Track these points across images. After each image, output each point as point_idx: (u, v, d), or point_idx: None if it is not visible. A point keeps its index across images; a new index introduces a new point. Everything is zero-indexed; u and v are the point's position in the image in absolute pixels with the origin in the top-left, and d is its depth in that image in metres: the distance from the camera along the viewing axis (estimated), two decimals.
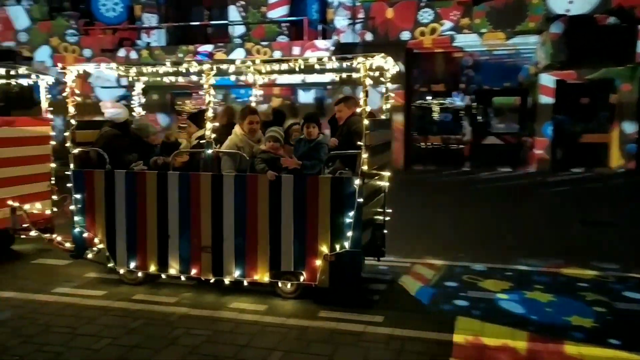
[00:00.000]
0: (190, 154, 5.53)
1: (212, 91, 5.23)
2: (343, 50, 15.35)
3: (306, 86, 15.70)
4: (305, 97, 16.18)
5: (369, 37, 15.63)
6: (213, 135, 5.19)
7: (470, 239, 7.79)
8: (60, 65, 6.25)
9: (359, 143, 4.81)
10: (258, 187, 5.04)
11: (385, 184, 5.58)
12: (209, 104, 5.16)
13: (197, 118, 5.76)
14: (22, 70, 6.95)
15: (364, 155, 4.76)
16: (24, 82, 7.27)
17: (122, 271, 5.56)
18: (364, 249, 5.04)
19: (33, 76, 7.03)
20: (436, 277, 5.93)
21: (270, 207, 5.02)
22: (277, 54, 14.87)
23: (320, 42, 14.95)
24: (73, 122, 5.68)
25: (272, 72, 6.03)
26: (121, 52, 15.45)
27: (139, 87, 6.71)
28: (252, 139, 5.35)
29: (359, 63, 4.91)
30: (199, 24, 16.58)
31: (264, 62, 5.88)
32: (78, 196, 5.59)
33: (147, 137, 5.96)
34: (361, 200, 4.77)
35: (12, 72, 7.07)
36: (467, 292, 5.40)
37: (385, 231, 5.80)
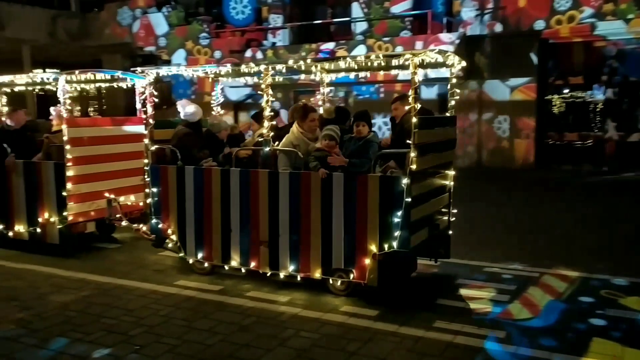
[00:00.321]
0: (253, 151, 5.83)
1: (270, 91, 5.39)
2: (469, 43, 14.63)
3: (429, 82, 15.20)
4: (428, 93, 15.67)
5: (498, 28, 14.74)
6: (271, 134, 5.36)
7: (610, 248, 6.97)
8: (139, 69, 6.44)
9: (407, 141, 4.75)
10: (311, 185, 5.12)
11: (449, 183, 5.56)
12: (267, 103, 5.34)
13: (258, 116, 6.05)
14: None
15: (412, 154, 4.69)
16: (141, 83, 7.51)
17: (191, 261, 5.90)
18: (418, 249, 5.03)
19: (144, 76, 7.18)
20: (569, 291, 5.34)
21: (322, 205, 5.08)
22: (399, 50, 14.54)
23: (444, 36, 14.37)
24: (151, 121, 6.08)
25: (338, 70, 6.19)
26: (248, 53, 16.05)
27: (218, 88, 7.31)
28: (310, 137, 5.42)
29: (406, 60, 4.82)
30: (322, 22, 16.74)
31: (315, 60, 6.03)
32: (154, 190, 6.01)
33: (218, 132, 6.33)
34: (409, 199, 4.69)
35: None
36: (605, 310, 4.78)
37: (450, 232, 5.70)
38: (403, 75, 14.70)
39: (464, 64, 5.58)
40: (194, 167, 5.80)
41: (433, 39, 14.27)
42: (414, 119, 4.69)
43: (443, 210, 5.61)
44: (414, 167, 4.70)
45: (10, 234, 7.15)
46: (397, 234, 4.74)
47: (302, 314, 4.78)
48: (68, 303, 5.11)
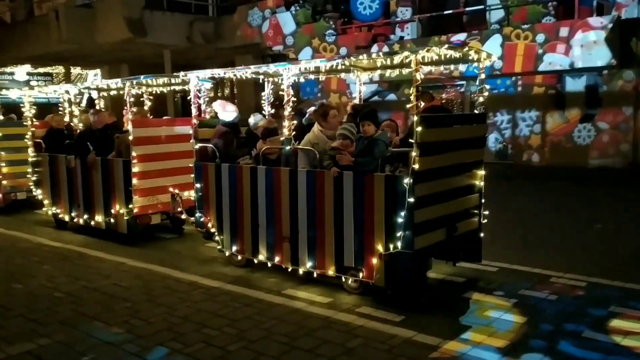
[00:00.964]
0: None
1: (290, 90, 5.58)
2: (623, 28, 12.81)
3: (575, 72, 13.59)
4: (574, 85, 14.04)
5: None
6: (294, 132, 5.61)
7: None
8: (182, 73, 6.83)
9: (410, 140, 4.68)
10: (325, 183, 5.20)
11: (478, 182, 5.45)
12: (288, 102, 5.51)
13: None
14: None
15: (414, 154, 4.60)
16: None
17: (227, 253, 6.23)
18: (430, 251, 4.98)
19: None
20: None
21: (335, 203, 5.15)
22: (540, 38, 13.14)
23: (594, 20, 12.70)
24: (195, 121, 6.46)
25: (374, 68, 6.36)
26: (374, 48, 15.57)
27: (268, 88, 7.25)
28: (331, 134, 5.49)
29: (407, 57, 4.76)
30: (454, 12, 15.74)
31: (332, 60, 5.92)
32: (198, 186, 6.39)
33: (256, 129, 6.50)
34: (412, 200, 4.62)
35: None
36: None
37: (482, 234, 5.59)
38: (544, 66, 13.35)
39: (494, 58, 5.43)
40: (229, 165, 6.08)
41: (580, 24, 12.68)
42: (415, 118, 4.62)
43: (472, 211, 5.46)
44: (416, 166, 4.61)
45: (92, 223, 7.94)
46: (399, 234, 4.70)
47: (417, 339, 4.19)
48: (175, 308, 5.01)
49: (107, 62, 23.92)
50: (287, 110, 5.55)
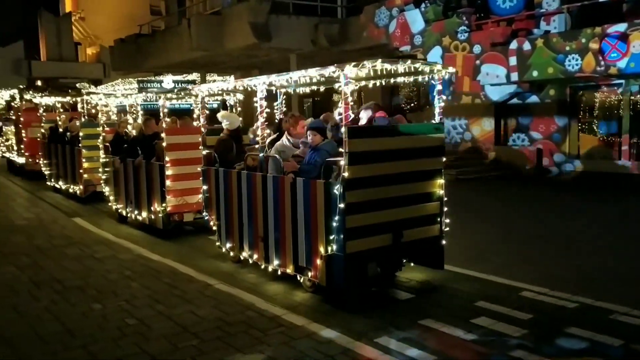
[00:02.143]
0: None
1: (263, 102, 6.13)
2: None
3: None
4: None
5: None
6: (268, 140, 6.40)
7: None
8: (194, 86, 7.14)
9: (340, 149, 5.00)
10: (285, 188, 5.53)
11: (437, 191, 5.56)
12: (262, 113, 6.11)
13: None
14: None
15: (343, 162, 4.88)
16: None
17: (223, 250, 6.72)
18: (374, 256, 5.18)
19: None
20: None
21: (291, 206, 5.46)
22: None
23: None
24: (203, 130, 7.21)
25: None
26: (513, 44, 13.81)
27: (280, 98, 7.46)
28: (296, 144, 5.98)
29: (335, 72, 5.00)
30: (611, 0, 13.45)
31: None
32: (204, 187, 6.97)
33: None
34: (342, 206, 4.87)
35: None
36: None
37: (443, 242, 5.67)
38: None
39: (452, 70, 5.74)
40: (223, 169, 6.60)
41: None
42: (343, 129, 4.91)
43: (429, 219, 5.55)
44: (346, 174, 4.87)
45: (139, 218, 8.81)
46: (333, 237, 4.98)
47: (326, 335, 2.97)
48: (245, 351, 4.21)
49: (239, 68, 24.44)
50: (260, 120, 6.04)
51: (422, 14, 16.56)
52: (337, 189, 4.90)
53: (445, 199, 5.65)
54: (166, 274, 6.37)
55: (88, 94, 15.16)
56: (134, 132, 9.81)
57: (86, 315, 5.07)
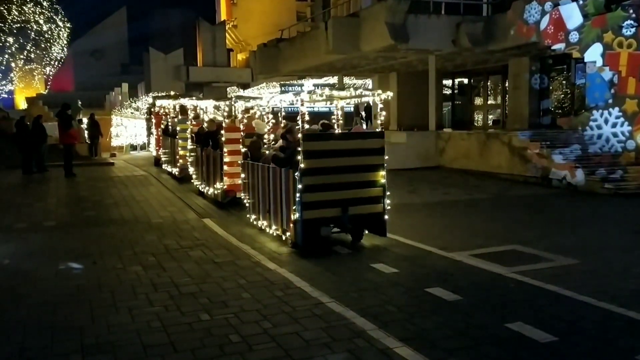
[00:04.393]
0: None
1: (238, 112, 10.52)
2: None
3: None
4: None
5: None
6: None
7: None
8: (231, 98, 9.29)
9: (298, 149, 7.19)
10: (277, 174, 7.95)
11: (380, 180, 7.67)
12: (241, 121, 10.15)
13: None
14: None
15: (299, 157, 7.14)
16: None
17: (251, 220, 9.06)
18: (326, 222, 7.39)
19: None
20: None
21: (279, 188, 7.86)
22: None
23: None
24: (242, 133, 9.88)
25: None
26: None
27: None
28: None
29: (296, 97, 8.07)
30: None
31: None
32: (242, 175, 9.50)
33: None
34: (300, 186, 7.13)
35: None
36: None
37: (386, 217, 7.79)
38: None
39: (389, 94, 7.88)
40: (250, 163, 9.05)
41: None
42: (299, 135, 7.37)
43: (375, 199, 7.68)
44: (302, 165, 7.11)
45: (209, 193, 11.74)
46: (295, 208, 7.27)
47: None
48: None
49: (375, 70, 24.05)
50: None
51: (580, 7, 14.80)
52: (296, 175, 7.18)
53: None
54: (279, 286, 6.10)
55: (237, 97, 16.60)
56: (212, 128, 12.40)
57: (192, 327, 4.91)
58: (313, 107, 11.39)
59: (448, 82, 24.94)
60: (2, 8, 34.71)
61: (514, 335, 4.64)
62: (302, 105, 7.66)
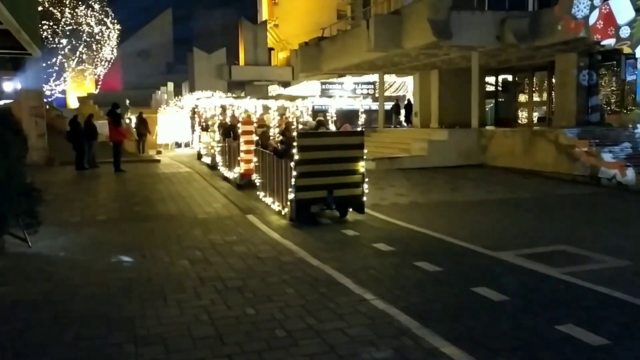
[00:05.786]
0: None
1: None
2: None
3: None
4: None
5: None
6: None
7: None
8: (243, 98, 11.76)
9: (294, 143, 8.96)
10: (279, 162, 9.81)
11: (360, 169, 9.31)
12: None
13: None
14: None
15: (293, 150, 8.85)
16: None
17: (261, 197, 11.23)
18: (315, 201, 9.15)
19: None
20: None
21: (281, 172, 9.64)
22: None
23: None
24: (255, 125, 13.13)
25: None
26: None
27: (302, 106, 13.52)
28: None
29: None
30: None
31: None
32: (255, 159, 11.92)
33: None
34: (294, 173, 8.87)
35: None
36: None
37: (364, 199, 9.51)
38: None
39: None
40: (261, 150, 11.23)
41: None
42: (295, 133, 9.74)
43: (356, 184, 9.35)
44: (297, 157, 8.81)
45: (230, 177, 13.90)
46: (291, 190, 9.02)
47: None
48: None
49: (417, 68, 23.82)
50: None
51: (631, 1, 14.32)
52: (292, 164, 8.87)
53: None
54: (323, 282, 6.15)
55: (278, 96, 17.94)
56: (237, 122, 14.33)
57: (239, 321, 5.01)
58: (350, 105, 12.48)
59: (491, 79, 24.49)
60: (56, 11, 35.97)
61: (565, 337, 4.55)
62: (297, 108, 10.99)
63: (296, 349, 4.39)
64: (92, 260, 7.14)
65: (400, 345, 4.43)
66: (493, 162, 17.34)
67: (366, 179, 9.42)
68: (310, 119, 13.24)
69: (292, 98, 13.05)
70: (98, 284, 6.14)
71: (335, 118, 11.87)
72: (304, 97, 12.90)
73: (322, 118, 11.40)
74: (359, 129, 10.18)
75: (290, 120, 12.98)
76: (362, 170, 9.31)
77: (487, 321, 4.94)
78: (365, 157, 9.43)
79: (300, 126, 12.10)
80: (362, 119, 10.84)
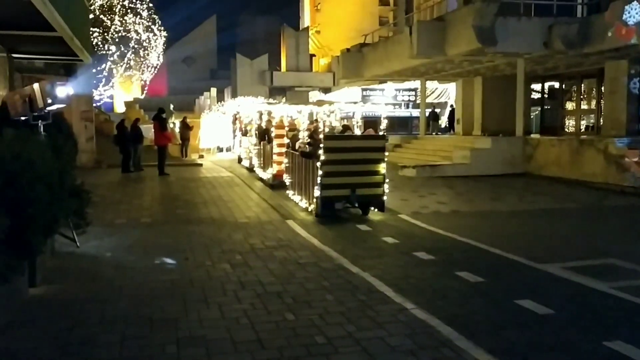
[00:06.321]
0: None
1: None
2: None
3: None
4: None
5: None
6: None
7: None
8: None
9: (321, 145, 9.83)
10: (307, 162, 10.60)
11: (381, 169, 10.08)
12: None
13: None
14: None
15: (320, 152, 9.74)
16: None
17: (290, 196, 12.05)
18: (339, 199, 9.97)
19: None
20: None
21: (309, 172, 10.45)
22: None
23: None
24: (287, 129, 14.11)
25: None
26: None
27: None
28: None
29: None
30: None
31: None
32: (285, 160, 12.95)
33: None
34: (320, 172, 9.70)
35: None
36: None
37: (385, 198, 10.23)
38: None
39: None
40: (291, 152, 12.24)
41: None
42: (321, 136, 10.54)
43: (377, 184, 10.12)
44: (323, 157, 9.66)
45: (264, 177, 14.87)
46: (317, 188, 9.89)
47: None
48: None
49: (460, 75, 23.52)
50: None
51: None
52: (318, 164, 9.70)
53: None
54: (362, 290, 6.12)
55: (320, 102, 18.55)
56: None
57: (279, 326, 5.04)
58: (394, 111, 13.33)
59: (537, 86, 23.93)
60: (106, 19, 37.20)
61: (614, 355, 4.39)
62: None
63: (336, 357, 4.38)
64: (136, 261, 7.32)
65: (441, 356, 4.37)
66: (538, 171, 16.93)
67: (387, 180, 10.21)
68: (338, 124, 13.73)
69: (320, 104, 14.42)
70: (142, 284, 6.29)
71: (360, 123, 12.55)
72: (330, 103, 14.16)
73: (347, 124, 12.49)
74: (380, 133, 10.87)
75: (318, 124, 13.73)
76: (383, 171, 10.07)
77: (531, 335, 4.81)
78: (386, 159, 10.19)
79: (327, 130, 13.19)
80: (384, 124, 11.40)
